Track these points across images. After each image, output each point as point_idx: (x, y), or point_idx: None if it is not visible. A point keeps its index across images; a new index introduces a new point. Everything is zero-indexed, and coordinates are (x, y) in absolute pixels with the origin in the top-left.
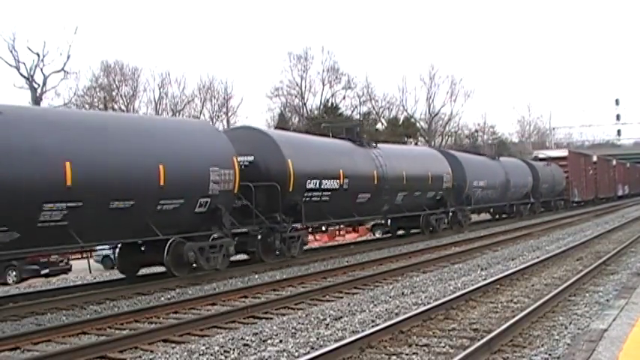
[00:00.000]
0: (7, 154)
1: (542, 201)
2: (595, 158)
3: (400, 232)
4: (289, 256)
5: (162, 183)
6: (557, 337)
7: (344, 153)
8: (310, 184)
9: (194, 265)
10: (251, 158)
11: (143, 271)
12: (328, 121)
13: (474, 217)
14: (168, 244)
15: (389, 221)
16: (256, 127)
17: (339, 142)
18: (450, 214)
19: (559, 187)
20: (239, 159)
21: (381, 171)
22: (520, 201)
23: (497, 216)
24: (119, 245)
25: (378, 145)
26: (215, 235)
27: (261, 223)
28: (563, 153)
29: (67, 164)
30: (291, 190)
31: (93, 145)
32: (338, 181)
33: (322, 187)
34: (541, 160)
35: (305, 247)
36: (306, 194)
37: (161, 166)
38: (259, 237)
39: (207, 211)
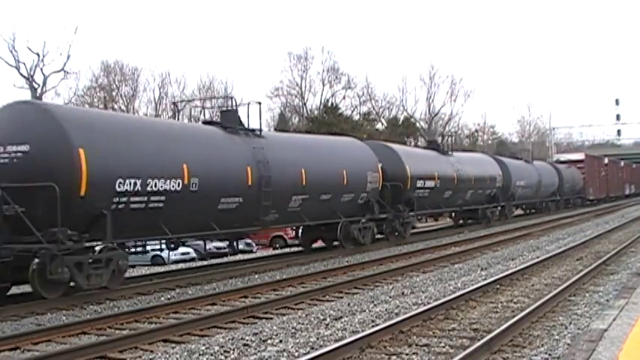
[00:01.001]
0: (272, 164)
1: (564, 199)
2: (606, 161)
3: (460, 222)
4: (403, 237)
5: (345, 182)
6: (557, 337)
7: (435, 160)
8: (419, 184)
9: (354, 239)
10: (380, 165)
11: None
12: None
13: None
14: (340, 225)
15: (453, 214)
16: (381, 142)
17: (429, 151)
18: (500, 208)
19: (577, 186)
20: None
21: (458, 174)
22: (548, 198)
23: (527, 211)
24: (301, 227)
25: (453, 153)
26: (363, 220)
27: (390, 212)
28: (580, 156)
29: (303, 171)
30: (408, 188)
31: (312, 157)
32: (434, 181)
33: (425, 185)
34: (562, 162)
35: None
36: (416, 191)
37: (344, 171)
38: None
39: (364, 202)
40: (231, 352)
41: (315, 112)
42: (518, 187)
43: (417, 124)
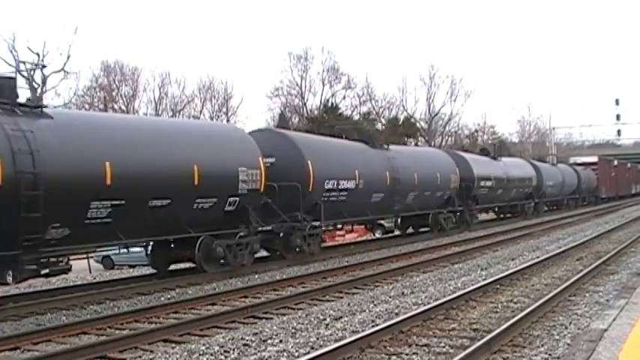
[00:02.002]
0: (399, 170)
1: (582, 197)
2: (616, 162)
3: (501, 215)
4: (469, 224)
5: (438, 182)
6: (557, 337)
7: (490, 164)
8: (482, 183)
9: (439, 225)
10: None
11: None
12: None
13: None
14: (431, 215)
15: (496, 208)
16: (452, 151)
17: (484, 157)
18: (533, 203)
19: (592, 186)
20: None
21: (507, 175)
22: (569, 196)
23: (551, 207)
24: (399, 217)
25: (502, 158)
26: (445, 211)
27: (463, 205)
28: (594, 159)
29: (416, 174)
30: (475, 186)
31: (420, 164)
32: (491, 181)
33: (485, 185)
34: (578, 165)
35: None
36: (480, 189)
37: (438, 174)
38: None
39: (447, 198)
40: (231, 352)
41: (315, 112)
42: (548, 186)
43: (417, 124)
